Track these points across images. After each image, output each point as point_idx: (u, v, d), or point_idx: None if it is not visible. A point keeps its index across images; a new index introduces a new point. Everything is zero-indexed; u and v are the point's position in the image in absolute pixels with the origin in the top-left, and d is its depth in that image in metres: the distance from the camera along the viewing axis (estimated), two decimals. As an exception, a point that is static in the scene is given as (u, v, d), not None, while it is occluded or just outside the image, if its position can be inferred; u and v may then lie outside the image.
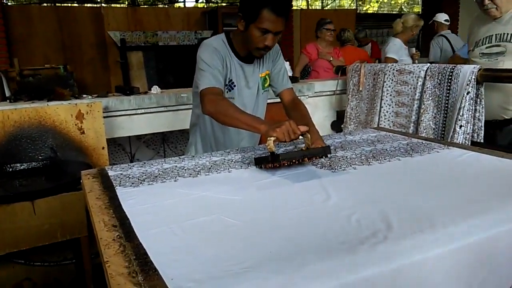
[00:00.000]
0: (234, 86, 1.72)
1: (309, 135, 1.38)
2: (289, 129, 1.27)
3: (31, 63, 5.51)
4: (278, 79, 1.82)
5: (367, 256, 0.77)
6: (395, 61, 3.69)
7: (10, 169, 2.12)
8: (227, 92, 1.71)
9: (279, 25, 1.53)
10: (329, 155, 1.35)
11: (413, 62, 3.74)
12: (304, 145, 1.43)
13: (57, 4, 7.49)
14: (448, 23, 4.56)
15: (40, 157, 2.23)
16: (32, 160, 2.20)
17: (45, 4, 7.81)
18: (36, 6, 7.44)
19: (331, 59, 3.93)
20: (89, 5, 7.95)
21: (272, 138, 1.28)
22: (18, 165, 2.15)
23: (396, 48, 3.82)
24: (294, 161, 1.27)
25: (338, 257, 0.76)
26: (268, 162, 1.28)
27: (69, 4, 8.07)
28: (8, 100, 2.50)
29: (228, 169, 1.36)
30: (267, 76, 1.80)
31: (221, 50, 1.66)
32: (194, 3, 9.20)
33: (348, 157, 1.45)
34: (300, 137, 1.34)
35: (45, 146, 2.23)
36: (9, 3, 7.65)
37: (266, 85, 1.81)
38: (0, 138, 2.14)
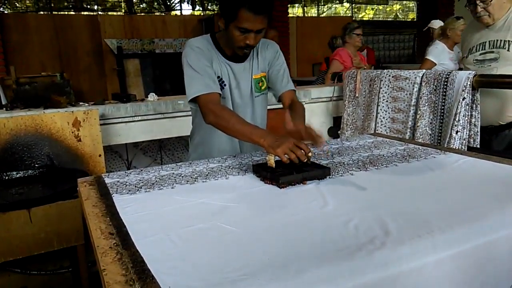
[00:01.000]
0: (225, 85, 1.67)
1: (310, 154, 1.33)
2: (292, 149, 1.25)
3: (28, 71, 5.51)
4: (277, 80, 1.75)
5: (365, 263, 0.77)
6: (433, 64, 3.59)
7: (6, 177, 2.11)
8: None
9: (258, 24, 1.48)
10: (328, 177, 1.31)
11: (459, 68, 3.56)
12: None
13: (53, 12, 7.52)
14: (443, 30, 4.59)
15: (36, 165, 2.22)
16: (28, 168, 2.20)
17: (41, 12, 7.84)
18: (33, 14, 7.46)
19: (365, 66, 3.77)
20: (85, 13, 7.98)
21: (273, 156, 1.28)
22: (14, 173, 2.14)
23: (437, 51, 3.68)
24: (293, 184, 1.26)
25: (336, 264, 0.76)
26: (266, 178, 1.27)
27: (66, 12, 8.10)
28: (4, 108, 2.49)
29: (226, 175, 1.36)
30: (263, 78, 1.74)
31: (207, 49, 1.61)
32: (191, 10, 9.25)
33: (345, 163, 1.45)
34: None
35: (42, 154, 2.23)
36: (5, 11, 7.67)
37: (263, 87, 1.75)
38: (-4, 146, 2.14)
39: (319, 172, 1.31)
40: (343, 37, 3.92)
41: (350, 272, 0.75)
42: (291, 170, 1.28)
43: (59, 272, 2.09)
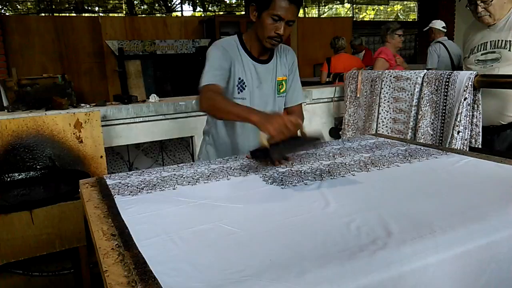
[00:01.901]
0: (245, 86, 1.70)
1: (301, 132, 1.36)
2: (283, 126, 1.25)
3: (29, 73, 5.52)
4: (292, 93, 1.84)
5: (367, 263, 0.77)
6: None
7: (8, 179, 2.12)
8: (238, 92, 1.70)
9: (291, 13, 1.54)
10: (322, 141, 1.31)
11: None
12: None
13: (54, 14, 7.53)
14: (445, 30, 4.59)
15: (38, 167, 2.23)
16: (30, 169, 2.20)
17: (42, 14, 7.86)
18: (34, 16, 7.47)
19: (407, 66, 3.73)
20: (86, 14, 8.01)
21: (265, 135, 1.27)
22: (16, 174, 2.14)
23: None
24: (287, 156, 1.25)
25: (338, 265, 0.76)
26: (262, 157, 1.27)
27: (67, 14, 8.12)
28: (6, 110, 2.50)
29: (227, 176, 1.36)
30: (283, 82, 1.80)
31: (231, 49, 1.66)
32: (192, 12, 9.26)
33: (346, 163, 1.45)
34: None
35: (43, 156, 2.23)
36: (6, 13, 7.69)
37: (282, 90, 1.81)
38: (-2, 148, 2.14)
39: (311, 138, 1.30)
40: (383, 36, 3.87)
41: (352, 272, 0.75)
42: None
43: (61, 274, 2.09)
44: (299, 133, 1.35)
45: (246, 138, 1.78)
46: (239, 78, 1.69)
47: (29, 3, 8.51)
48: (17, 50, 6.27)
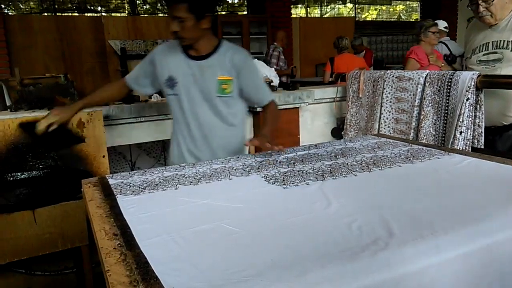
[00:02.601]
0: (176, 82, 1.78)
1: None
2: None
3: (32, 72, 5.51)
4: (256, 92, 1.85)
5: (368, 264, 0.77)
6: None
7: (11, 178, 2.12)
8: (170, 89, 1.80)
9: (173, 9, 1.64)
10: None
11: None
12: None
13: (57, 14, 7.54)
14: (447, 30, 4.59)
15: (40, 166, 2.23)
16: (32, 169, 2.20)
17: (45, 14, 7.86)
18: (37, 16, 7.48)
19: (443, 64, 3.62)
20: (89, 14, 8.01)
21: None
22: (19, 174, 2.14)
23: None
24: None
25: (340, 265, 0.76)
26: None
27: (69, 14, 8.13)
28: (8, 109, 2.50)
29: (229, 176, 1.36)
30: (229, 82, 1.78)
31: (166, 51, 1.82)
32: (194, 11, 9.24)
33: (348, 164, 1.45)
34: None
35: (46, 155, 2.23)
36: (9, 13, 7.71)
37: (227, 91, 1.79)
38: (1, 147, 2.15)
39: None
40: (417, 35, 3.80)
41: (353, 273, 0.75)
42: None
43: (63, 273, 2.10)
44: None
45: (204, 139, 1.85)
46: (169, 76, 1.79)
47: (31, 3, 8.53)
48: (19, 50, 6.27)
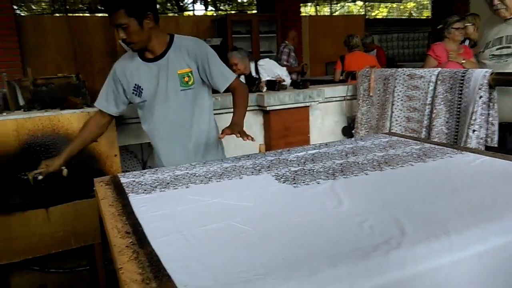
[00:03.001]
0: (142, 89, 1.80)
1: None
2: None
3: (44, 72, 5.58)
4: (217, 76, 1.82)
5: (380, 263, 0.77)
6: None
7: (25, 177, 2.15)
8: (138, 97, 1.82)
9: (113, 19, 1.65)
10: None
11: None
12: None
13: (68, 14, 7.62)
14: (458, 27, 4.52)
15: (53, 165, 2.26)
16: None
17: (57, 14, 7.95)
18: (48, 16, 7.57)
19: (463, 61, 3.44)
20: (100, 14, 8.08)
21: None
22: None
23: None
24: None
25: (351, 264, 0.76)
26: None
27: (81, 14, 8.20)
28: (22, 109, 2.53)
29: (240, 175, 1.36)
30: (190, 74, 1.80)
31: (123, 64, 1.84)
32: (204, 11, 9.28)
33: (359, 162, 1.44)
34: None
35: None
36: (22, 14, 7.80)
37: (190, 82, 1.80)
38: (15, 147, 2.18)
39: None
40: (442, 32, 3.69)
41: (365, 272, 0.75)
42: None
43: (77, 270, 2.13)
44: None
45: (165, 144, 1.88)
46: (135, 85, 1.81)
47: (43, 4, 8.63)
48: (32, 50, 6.35)
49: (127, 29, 1.66)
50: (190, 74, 1.80)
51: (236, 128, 1.62)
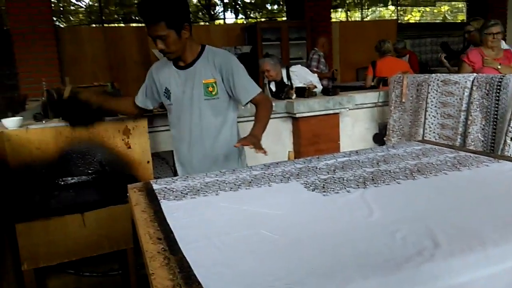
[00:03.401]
0: (170, 93, 1.91)
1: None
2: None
3: (81, 81, 5.80)
4: (241, 89, 1.85)
5: (412, 275, 0.75)
6: None
7: (62, 182, 2.23)
8: (167, 99, 1.93)
9: (153, 30, 1.71)
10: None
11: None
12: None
13: (104, 25, 7.88)
14: (495, 31, 4.37)
15: (89, 171, 2.34)
16: (82, 174, 2.31)
17: (93, 25, 8.24)
18: (86, 27, 7.85)
19: (499, 66, 3.36)
20: (134, 24, 8.31)
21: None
22: (69, 178, 2.25)
23: None
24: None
25: (382, 275, 0.75)
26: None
27: (116, 25, 8.47)
28: (60, 117, 2.63)
29: (269, 183, 1.37)
30: (214, 84, 1.85)
31: (160, 65, 1.96)
32: (234, 19, 9.38)
33: (391, 171, 1.42)
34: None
35: (94, 161, 2.33)
36: (60, 25, 8.13)
37: (213, 93, 1.86)
38: (53, 153, 2.27)
39: None
40: (480, 37, 3.70)
41: (397, 284, 0.73)
42: None
43: (109, 274, 2.18)
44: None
45: (195, 150, 1.93)
46: (165, 88, 1.93)
47: (81, 15, 8.97)
48: (70, 60, 6.60)
49: (166, 40, 1.73)
50: (214, 85, 1.85)
51: (252, 139, 1.66)
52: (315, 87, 3.67)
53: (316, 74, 4.22)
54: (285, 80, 3.93)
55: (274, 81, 3.89)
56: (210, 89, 1.85)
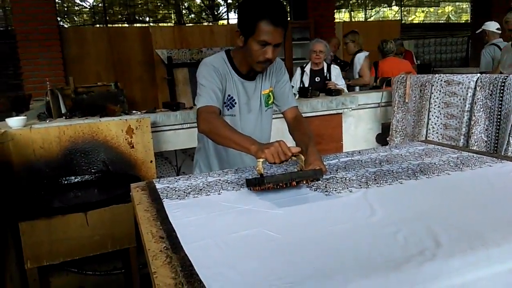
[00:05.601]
0: (235, 103, 1.71)
1: (302, 157, 1.34)
2: (279, 150, 1.24)
3: (85, 81, 5.83)
4: (282, 97, 1.79)
5: (414, 275, 0.75)
6: None
7: (65, 182, 2.24)
8: (228, 109, 1.71)
9: (277, 37, 1.50)
10: (320, 179, 1.29)
11: None
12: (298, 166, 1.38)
13: (108, 25, 7.91)
14: (500, 32, 4.37)
15: (92, 170, 2.35)
16: (85, 173, 2.32)
17: (97, 25, 8.27)
18: (90, 28, 7.89)
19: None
20: (138, 25, 8.34)
21: (261, 160, 1.26)
22: (73, 177, 2.27)
23: None
24: (281, 184, 1.21)
25: (383, 275, 0.75)
26: (255, 184, 1.24)
27: (120, 25, 8.50)
28: (63, 117, 2.65)
29: (271, 183, 1.37)
30: (270, 93, 1.78)
31: (221, 68, 1.65)
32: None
33: (394, 171, 1.42)
34: (294, 158, 1.31)
35: (98, 160, 2.35)
36: (65, 25, 8.17)
37: (270, 102, 1.79)
38: (56, 152, 2.28)
39: (309, 173, 1.25)
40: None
41: (398, 284, 0.73)
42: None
43: (112, 273, 2.19)
44: (299, 162, 1.35)
45: (237, 153, 1.72)
46: (229, 95, 1.69)
47: (85, 15, 9.01)
48: (74, 60, 6.63)
49: (277, 48, 1.55)
50: (271, 94, 1.80)
51: (321, 164, 1.41)
52: (342, 89, 3.69)
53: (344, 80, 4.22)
54: (297, 81, 3.98)
55: (317, 64, 3.97)
56: (268, 98, 1.79)
